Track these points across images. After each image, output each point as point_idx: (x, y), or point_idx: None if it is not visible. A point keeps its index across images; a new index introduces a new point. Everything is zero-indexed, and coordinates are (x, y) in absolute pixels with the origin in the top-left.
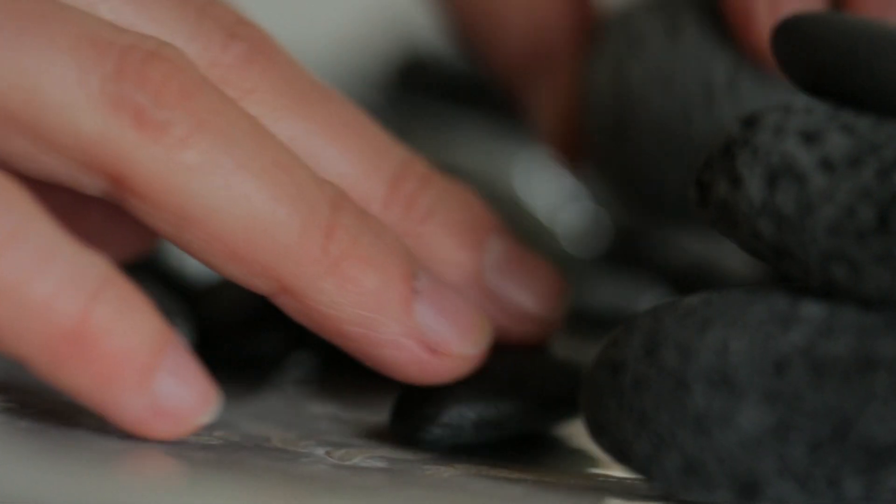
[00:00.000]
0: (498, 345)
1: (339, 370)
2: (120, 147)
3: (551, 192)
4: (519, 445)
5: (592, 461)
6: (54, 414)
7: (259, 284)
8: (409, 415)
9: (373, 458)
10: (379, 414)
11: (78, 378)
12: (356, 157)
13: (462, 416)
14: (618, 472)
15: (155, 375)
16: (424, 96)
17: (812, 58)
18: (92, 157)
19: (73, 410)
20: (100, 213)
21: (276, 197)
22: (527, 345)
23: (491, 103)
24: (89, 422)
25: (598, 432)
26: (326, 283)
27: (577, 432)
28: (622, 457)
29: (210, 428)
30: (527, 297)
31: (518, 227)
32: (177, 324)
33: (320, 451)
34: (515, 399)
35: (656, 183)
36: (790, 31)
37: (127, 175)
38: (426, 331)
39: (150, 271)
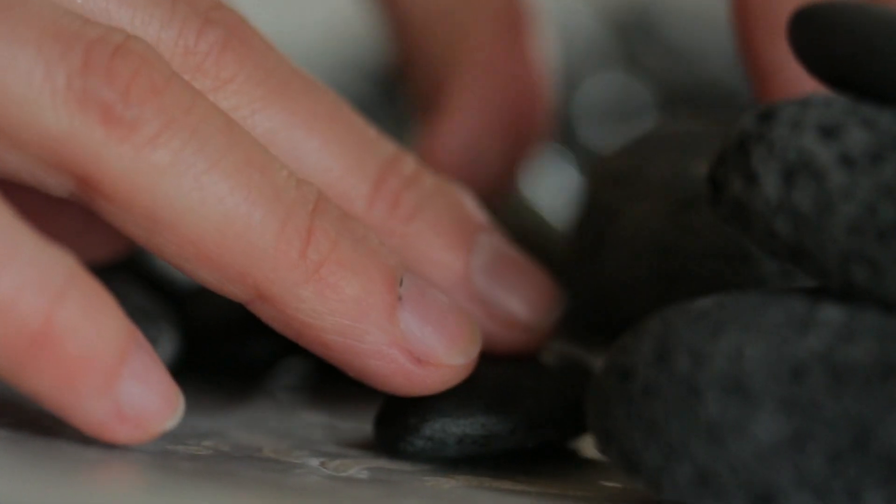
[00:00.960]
0: (487, 354)
1: (333, 376)
2: (86, 146)
3: (556, 188)
4: (522, 455)
5: (599, 472)
6: (34, 424)
7: (234, 291)
8: (392, 423)
9: (369, 468)
10: None
11: (40, 381)
12: (339, 151)
13: (445, 430)
14: (626, 483)
15: (119, 379)
16: None
17: (830, 48)
18: (57, 156)
19: (53, 420)
20: (70, 215)
21: (251, 198)
22: (515, 353)
23: None
24: (70, 431)
25: (605, 441)
26: (305, 291)
27: (582, 442)
28: (631, 467)
29: (198, 437)
30: (517, 303)
31: (521, 225)
32: (162, 328)
33: (314, 462)
34: (503, 417)
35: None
36: (808, 20)
37: (94, 175)
38: (411, 339)
39: (135, 273)
